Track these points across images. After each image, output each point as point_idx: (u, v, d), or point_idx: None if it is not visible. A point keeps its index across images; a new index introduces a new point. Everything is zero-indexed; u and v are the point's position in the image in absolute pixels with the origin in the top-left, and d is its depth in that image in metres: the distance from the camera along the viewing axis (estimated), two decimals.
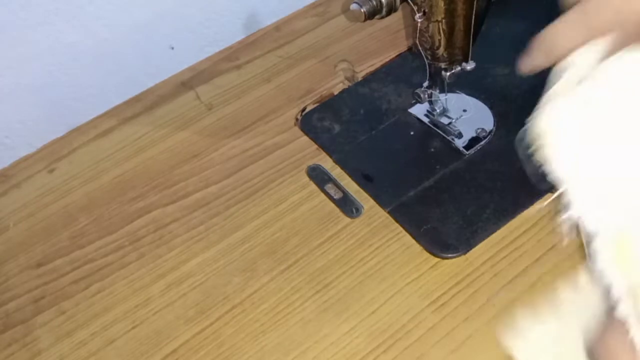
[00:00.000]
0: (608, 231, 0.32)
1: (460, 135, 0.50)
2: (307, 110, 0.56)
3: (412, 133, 0.52)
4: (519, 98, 0.51)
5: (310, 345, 0.40)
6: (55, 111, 0.62)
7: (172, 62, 0.64)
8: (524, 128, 0.36)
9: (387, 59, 0.59)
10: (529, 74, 0.38)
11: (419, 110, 0.53)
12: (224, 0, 0.65)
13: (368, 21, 0.45)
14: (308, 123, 0.55)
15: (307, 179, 0.51)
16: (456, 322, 0.40)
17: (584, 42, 0.34)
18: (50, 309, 0.47)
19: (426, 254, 0.44)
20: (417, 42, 0.48)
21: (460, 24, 0.46)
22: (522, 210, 0.45)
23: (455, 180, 0.48)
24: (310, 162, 0.52)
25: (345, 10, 0.66)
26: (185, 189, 0.53)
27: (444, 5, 0.44)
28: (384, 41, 0.61)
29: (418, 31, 0.47)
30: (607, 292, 0.31)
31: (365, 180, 0.49)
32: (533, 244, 0.43)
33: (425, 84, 0.52)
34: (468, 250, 0.43)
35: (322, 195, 0.49)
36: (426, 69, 0.50)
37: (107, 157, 0.57)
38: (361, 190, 0.49)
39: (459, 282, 0.42)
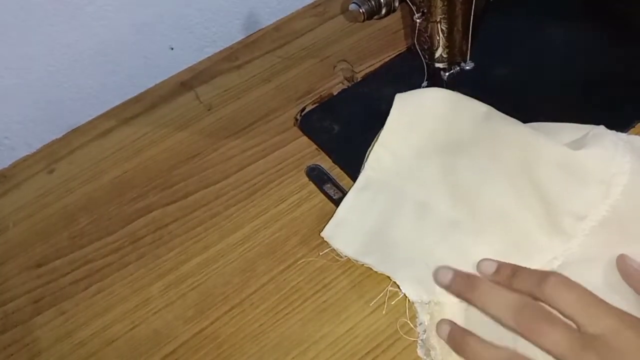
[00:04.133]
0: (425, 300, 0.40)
1: None
2: (306, 110, 0.56)
3: None
4: (517, 98, 0.51)
5: (310, 345, 0.40)
6: (55, 112, 0.62)
7: (171, 63, 0.64)
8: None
9: (386, 59, 0.59)
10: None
11: None
12: (224, 0, 0.66)
13: (367, 21, 0.45)
14: (307, 123, 0.55)
15: (306, 179, 0.51)
16: None
17: None
18: (50, 309, 0.47)
19: None
20: (416, 42, 0.49)
21: (458, 25, 0.46)
22: None
23: None
24: (310, 162, 0.52)
25: (344, 10, 0.66)
26: (184, 189, 0.53)
27: (443, 5, 0.44)
28: (383, 41, 0.61)
29: (417, 31, 0.47)
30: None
31: None
32: None
33: (424, 84, 0.52)
34: None
35: (322, 196, 0.49)
36: (425, 69, 0.51)
37: (107, 158, 0.57)
38: None
39: None
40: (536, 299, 0.35)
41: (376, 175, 0.46)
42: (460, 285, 0.38)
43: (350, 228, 0.45)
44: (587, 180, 0.40)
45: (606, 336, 0.32)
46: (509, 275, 0.37)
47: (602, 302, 0.33)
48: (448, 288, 0.39)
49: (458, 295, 0.38)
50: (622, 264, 0.37)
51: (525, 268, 0.38)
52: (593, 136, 0.41)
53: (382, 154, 0.47)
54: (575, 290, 0.34)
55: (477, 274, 0.39)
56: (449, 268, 0.39)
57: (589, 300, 0.34)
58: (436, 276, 0.39)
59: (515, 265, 0.38)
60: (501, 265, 0.38)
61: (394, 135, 0.46)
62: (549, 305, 0.34)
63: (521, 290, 0.36)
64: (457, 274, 0.39)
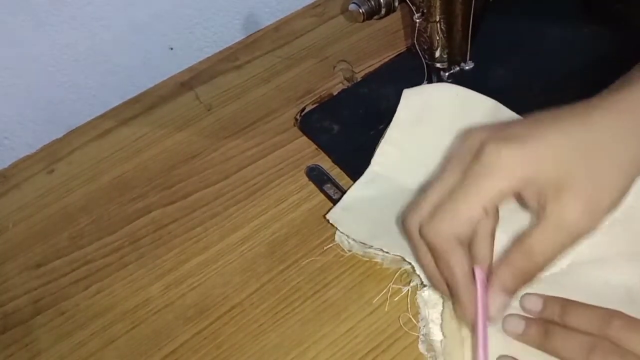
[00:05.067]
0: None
1: None
2: (306, 110, 0.56)
3: None
4: (517, 98, 0.51)
5: (310, 345, 0.40)
6: (55, 112, 0.62)
7: (171, 63, 0.64)
8: None
9: (386, 59, 0.59)
10: None
11: None
12: (223, 0, 0.66)
13: (367, 22, 0.45)
14: (307, 123, 0.55)
15: (306, 179, 0.51)
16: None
17: None
18: (50, 309, 0.47)
19: None
20: (416, 42, 0.49)
21: (458, 24, 0.46)
22: None
23: None
24: (310, 162, 0.52)
25: (344, 10, 0.66)
26: (184, 189, 0.53)
27: (442, 5, 0.44)
28: (383, 41, 0.61)
29: (416, 31, 0.47)
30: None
31: None
32: None
33: (424, 84, 0.52)
34: None
35: (321, 196, 0.49)
36: (425, 69, 0.51)
37: (107, 158, 0.57)
38: None
39: None
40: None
41: (382, 172, 0.46)
42: (535, 334, 0.35)
43: (357, 213, 0.44)
44: None
45: None
46: (559, 313, 0.34)
47: None
48: (521, 337, 0.35)
49: (531, 344, 0.35)
50: None
51: (575, 303, 0.35)
52: None
53: (388, 151, 0.47)
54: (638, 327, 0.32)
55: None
56: (519, 317, 0.36)
57: None
58: (507, 326, 0.36)
59: (562, 300, 0.35)
60: (548, 301, 0.35)
61: (401, 131, 0.46)
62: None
63: (578, 329, 0.33)
64: (530, 322, 0.35)
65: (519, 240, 0.33)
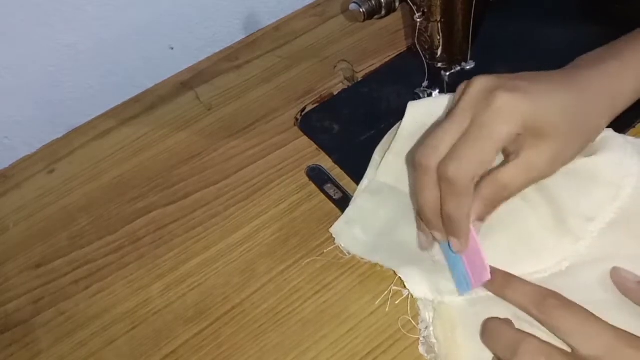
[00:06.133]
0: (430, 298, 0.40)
1: None
2: (306, 110, 0.56)
3: None
4: None
5: (310, 345, 0.40)
6: (55, 112, 0.62)
7: (171, 63, 0.64)
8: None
9: (387, 59, 0.59)
10: None
11: None
12: (224, 0, 0.66)
13: (367, 21, 0.45)
14: (308, 123, 0.55)
15: (306, 179, 0.51)
16: None
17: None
18: (50, 309, 0.47)
19: None
20: (417, 42, 0.48)
21: (459, 24, 0.46)
22: None
23: None
24: (310, 163, 0.52)
25: (345, 10, 0.66)
26: (184, 189, 0.53)
27: (443, 5, 0.44)
28: (384, 41, 0.61)
29: (417, 31, 0.47)
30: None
31: None
32: None
33: (425, 84, 0.52)
34: None
35: (322, 196, 0.49)
36: (425, 69, 0.50)
37: (107, 158, 0.57)
38: None
39: None
40: (530, 315, 0.34)
41: (388, 182, 0.46)
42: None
43: (359, 227, 0.45)
44: (596, 182, 0.40)
45: (603, 357, 0.30)
46: (502, 285, 0.37)
47: (599, 320, 0.32)
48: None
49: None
50: (618, 278, 0.36)
51: (518, 279, 0.36)
52: (601, 139, 0.41)
53: (393, 162, 0.47)
54: (570, 309, 0.33)
55: None
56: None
57: (584, 319, 0.32)
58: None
59: (507, 275, 0.37)
60: (494, 272, 0.37)
61: (406, 143, 0.46)
62: (543, 325, 0.33)
63: (515, 304, 0.35)
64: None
65: (491, 176, 0.36)
